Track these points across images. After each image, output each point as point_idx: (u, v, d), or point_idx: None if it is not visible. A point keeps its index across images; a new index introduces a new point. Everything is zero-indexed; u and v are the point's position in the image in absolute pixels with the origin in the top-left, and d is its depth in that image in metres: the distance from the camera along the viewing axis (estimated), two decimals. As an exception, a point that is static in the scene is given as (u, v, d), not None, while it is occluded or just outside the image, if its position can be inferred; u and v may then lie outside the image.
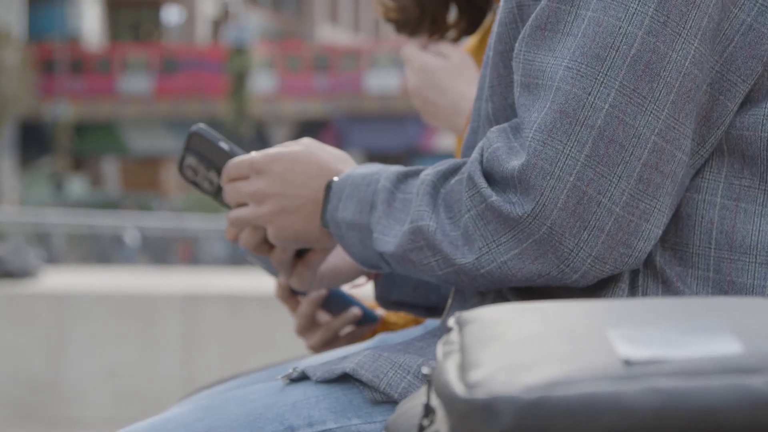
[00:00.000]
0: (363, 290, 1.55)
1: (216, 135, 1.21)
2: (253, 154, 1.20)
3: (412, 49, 1.52)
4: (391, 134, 34.74)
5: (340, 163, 1.19)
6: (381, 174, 1.13)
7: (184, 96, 34.31)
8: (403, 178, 1.12)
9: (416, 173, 1.12)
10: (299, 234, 1.19)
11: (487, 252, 1.03)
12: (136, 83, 34.38)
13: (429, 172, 1.09)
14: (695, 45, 1.01)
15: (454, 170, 1.08)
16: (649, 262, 1.06)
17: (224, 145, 1.22)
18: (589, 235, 1.00)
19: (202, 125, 1.22)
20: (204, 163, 1.24)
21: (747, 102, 1.06)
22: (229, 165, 1.21)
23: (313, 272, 1.27)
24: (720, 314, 0.74)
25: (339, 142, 34.45)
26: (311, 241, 1.19)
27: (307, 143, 1.21)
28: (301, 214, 1.18)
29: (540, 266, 1.02)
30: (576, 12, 1.02)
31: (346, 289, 1.45)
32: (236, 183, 1.20)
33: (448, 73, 1.50)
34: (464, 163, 1.08)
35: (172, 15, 39.26)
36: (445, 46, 1.53)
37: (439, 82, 1.50)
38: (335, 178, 1.16)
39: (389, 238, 1.09)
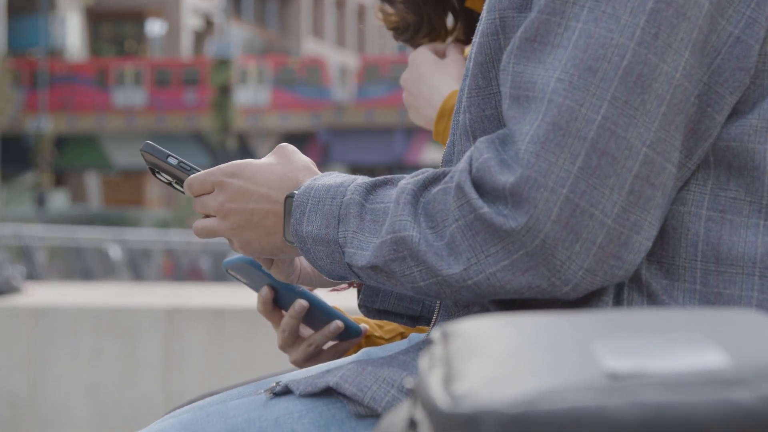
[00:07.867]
0: (345, 298, 1.54)
1: (163, 151, 1.25)
2: (217, 167, 1.20)
3: (419, 49, 1.53)
4: (377, 148, 34.72)
5: (302, 171, 1.18)
6: (346, 186, 1.12)
7: (167, 109, 34.26)
8: (371, 189, 1.10)
9: (386, 183, 1.11)
10: (264, 247, 1.18)
11: (475, 263, 1.02)
12: (121, 96, 34.34)
13: (408, 181, 1.08)
14: (686, 57, 1.01)
15: (434, 179, 1.07)
16: (634, 275, 1.05)
17: (171, 160, 1.26)
18: (581, 247, 1.00)
19: (149, 143, 1.26)
20: (160, 169, 1.29)
21: (733, 114, 1.05)
22: (192, 182, 1.21)
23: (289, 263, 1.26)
24: (706, 326, 0.73)
25: (323, 156, 34.43)
26: (276, 253, 1.19)
27: (278, 152, 1.20)
28: (263, 228, 1.17)
29: (530, 278, 1.01)
30: (566, 24, 1.02)
31: (328, 299, 1.44)
32: (202, 198, 1.20)
33: (430, 66, 1.51)
34: (444, 173, 1.07)
35: (154, 28, 39.21)
36: (452, 48, 1.53)
37: (420, 74, 1.51)
38: (295, 191, 1.14)
39: (366, 252, 1.08)
